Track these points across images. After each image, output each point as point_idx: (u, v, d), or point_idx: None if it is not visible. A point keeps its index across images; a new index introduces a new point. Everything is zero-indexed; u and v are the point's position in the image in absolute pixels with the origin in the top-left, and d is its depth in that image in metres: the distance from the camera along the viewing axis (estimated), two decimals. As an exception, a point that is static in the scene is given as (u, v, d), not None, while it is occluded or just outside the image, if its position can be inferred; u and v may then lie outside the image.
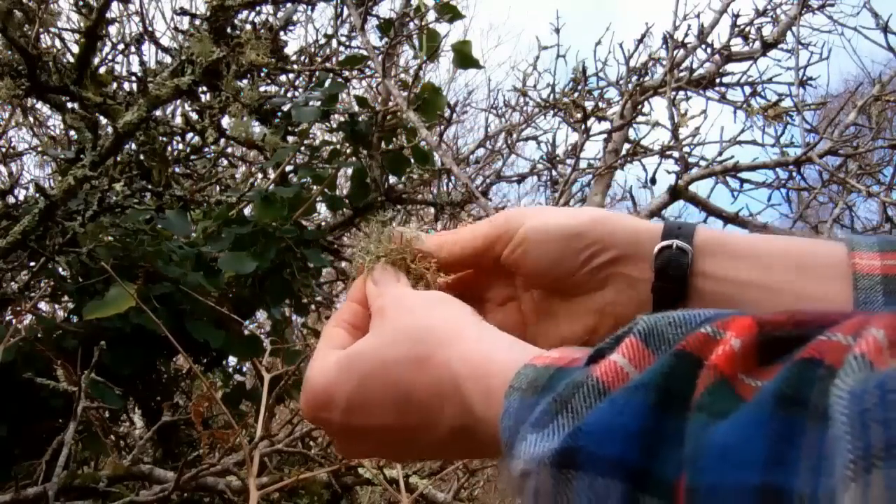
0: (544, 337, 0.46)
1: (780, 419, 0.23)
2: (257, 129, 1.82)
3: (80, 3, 1.55)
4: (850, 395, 0.21)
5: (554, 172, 2.45)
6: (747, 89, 2.54)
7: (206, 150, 2.02)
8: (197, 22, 1.59)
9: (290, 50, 2.04)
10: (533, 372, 0.32)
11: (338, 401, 0.40)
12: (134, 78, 1.74)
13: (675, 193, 2.07)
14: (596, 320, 0.45)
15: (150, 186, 1.62)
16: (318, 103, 1.74)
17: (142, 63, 1.69)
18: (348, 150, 1.87)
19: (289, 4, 1.77)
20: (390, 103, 1.86)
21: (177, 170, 1.91)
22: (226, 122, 1.70)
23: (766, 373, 0.26)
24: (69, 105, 1.60)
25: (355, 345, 0.42)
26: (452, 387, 0.37)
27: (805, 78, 2.34)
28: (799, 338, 0.26)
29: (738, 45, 2.59)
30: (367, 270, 0.48)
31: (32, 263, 1.51)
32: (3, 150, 2.25)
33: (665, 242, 0.42)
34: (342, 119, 1.86)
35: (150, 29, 2.04)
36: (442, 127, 2.01)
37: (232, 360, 1.82)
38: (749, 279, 0.41)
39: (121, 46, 1.99)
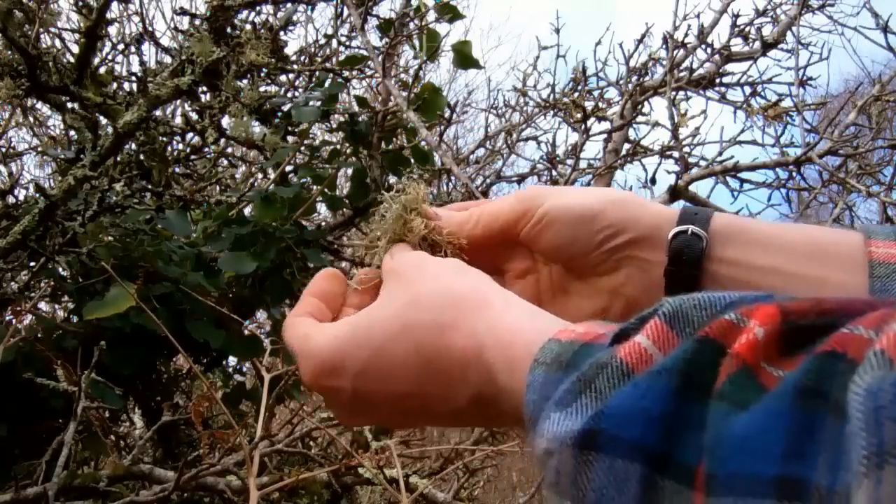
0: (557, 313, 0.46)
1: (800, 412, 0.23)
2: (257, 129, 1.82)
3: (80, 3, 1.55)
4: (867, 391, 0.21)
5: (554, 172, 2.45)
6: (747, 89, 2.54)
7: (206, 150, 2.02)
8: (197, 22, 1.59)
9: (290, 50, 2.04)
10: (558, 347, 0.32)
11: (350, 366, 0.40)
12: (134, 78, 1.74)
13: (675, 193, 2.07)
14: (607, 301, 0.45)
15: (150, 186, 1.62)
16: (318, 103, 1.74)
17: (142, 63, 1.69)
18: (348, 150, 1.87)
19: (289, 4, 1.77)
20: (390, 103, 1.86)
21: (177, 170, 1.91)
22: (226, 122, 1.70)
23: (789, 363, 0.26)
24: (69, 105, 1.60)
25: (372, 308, 0.41)
26: (476, 355, 0.36)
27: (805, 78, 2.34)
28: (822, 327, 0.26)
29: (738, 45, 2.59)
30: (383, 239, 0.48)
31: (32, 263, 1.51)
32: (3, 150, 2.25)
33: (680, 228, 0.43)
34: (342, 119, 1.86)
35: (150, 29, 2.04)
36: (442, 127, 2.01)
37: (232, 360, 1.82)
38: (764, 265, 0.41)
39: (121, 46, 1.99)
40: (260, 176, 2.36)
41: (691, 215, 0.44)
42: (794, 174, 2.18)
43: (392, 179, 1.88)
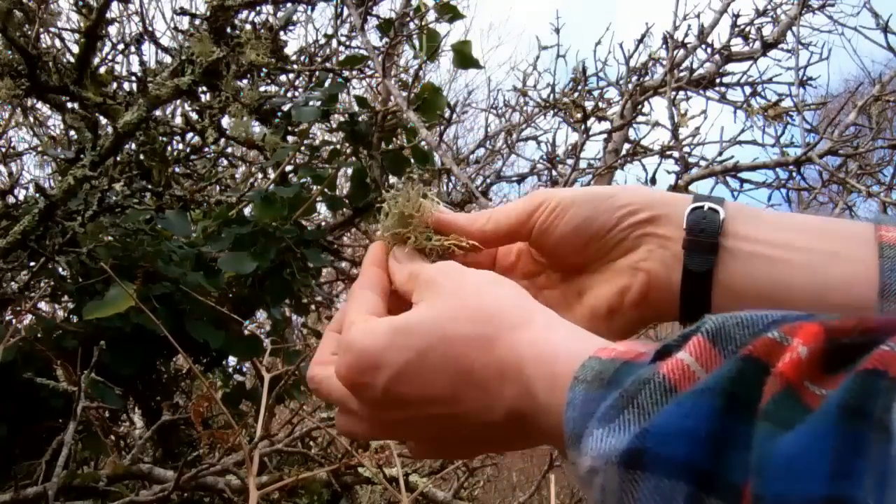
0: (573, 314, 0.47)
1: (844, 431, 0.24)
2: (257, 129, 1.82)
3: (80, 3, 1.55)
4: None
5: (554, 172, 2.45)
6: (747, 89, 2.54)
7: (206, 150, 2.02)
8: (197, 22, 1.59)
9: (290, 50, 2.04)
10: (598, 364, 0.32)
11: (388, 366, 0.40)
12: (134, 78, 1.74)
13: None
14: (627, 279, 0.45)
15: (150, 186, 1.62)
16: (318, 103, 1.74)
17: (142, 63, 1.69)
18: (348, 150, 1.87)
19: (289, 4, 1.77)
20: (390, 103, 1.86)
21: (177, 170, 1.91)
22: (226, 122, 1.70)
23: (831, 381, 0.26)
24: (69, 105, 1.60)
25: (412, 314, 0.41)
26: (516, 370, 0.36)
27: (805, 78, 2.34)
28: (864, 345, 0.26)
29: (738, 45, 2.59)
30: (389, 239, 0.48)
31: (32, 263, 1.51)
32: (3, 150, 2.25)
33: (697, 203, 0.44)
34: (342, 119, 1.86)
35: (150, 29, 2.04)
36: (442, 127, 2.01)
37: (232, 360, 1.82)
38: (777, 240, 0.42)
39: (121, 46, 1.99)
40: (260, 176, 2.36)
41: (705, 197, 0.45)
42: (794, 174, 2.18)
43: (392, 179, 1.88)
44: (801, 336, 0.27)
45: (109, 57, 1.93)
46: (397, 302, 0.46)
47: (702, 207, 0.44)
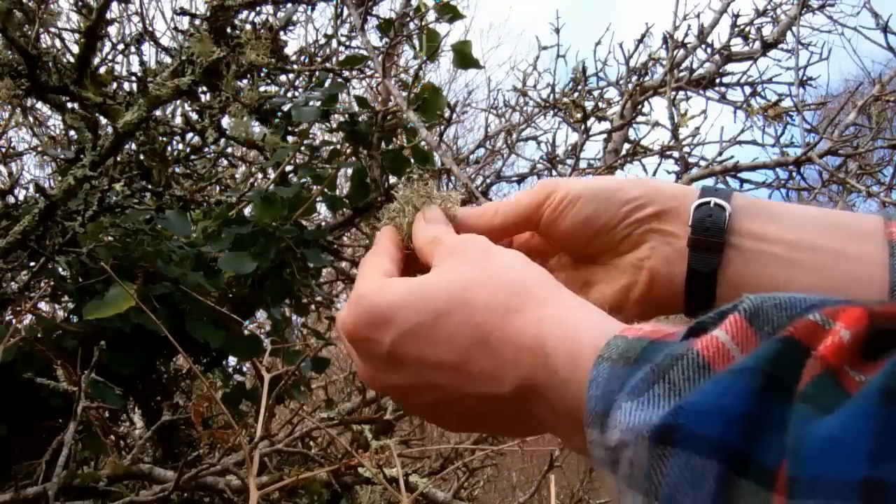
0: None
1: (885, 414, 0.23)
2: (257, 129, 1.82)
3: (80, 3, 1.55)
4: None
5: (554, 172, 2.45)
6: (747, 89, 2.54)
7: (206, 150, 2.02)
8: (197, 22, 1.59)
9: (290, 50, 2.04)
10: (624, 343, 0.32)
11: (397, 324, 0.39)
12: (134, 78, 1.74)
13: (675, 193, 2.07)
14: (630, 277, 0.45)
15: (150, 186, 1.62)
16: (318, 103, 1.74)
17: (142, 63, 1.69)
18: (348, 150, 1.87)
19: (289, 4, 1.77)
20: (390, 103, 1.86)
21: (177, 170, 1.91)
22: (226, 122, 1.70)
23: (870, 367, 0.26)
24: (69, 105, 1.60)
25: (432, 276, 0.41)
26: (538, 342, 0.36)
27: (805, 78, 2.34)
28: None
29: (738, 45, 2.59)
30: (407, 214, 0.48)
31: (32, 263, 1.51)
32: (3, 150, 2.25)
33: (703, 199, 0.44)
34: (342, 119, 1.86)
35: (150, 29, 2.04)
36: (442, 127, 2.01)
37: (232, 360, 1.82)
38: (785, 237, 0.42)
39: (121, 46, 1.99)
40: (260, 176, 2.36)
41: (712, 190, 0.44)
42: (794, 174, 2.18)
43: (392, 179, 1.88)
44: (843, 320, 0.27)
45: (109, 57, 1.93)
46: (408, 271, 0.46)
47: (708, 203, 0.43)
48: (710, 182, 2.23)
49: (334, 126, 1.91)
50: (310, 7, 2.31)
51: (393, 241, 0.48)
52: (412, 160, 1.85)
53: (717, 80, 2.56)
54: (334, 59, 2.08)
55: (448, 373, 0.38)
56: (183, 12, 1.65)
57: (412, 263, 0.48)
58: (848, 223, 0.42)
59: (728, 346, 0.28)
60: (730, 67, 2.59)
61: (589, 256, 0.48)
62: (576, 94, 2.53)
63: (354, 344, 0.41)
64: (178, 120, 2.35)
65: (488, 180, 2.63)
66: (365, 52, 1.82)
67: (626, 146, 2.51)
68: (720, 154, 2.12)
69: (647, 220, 0.45)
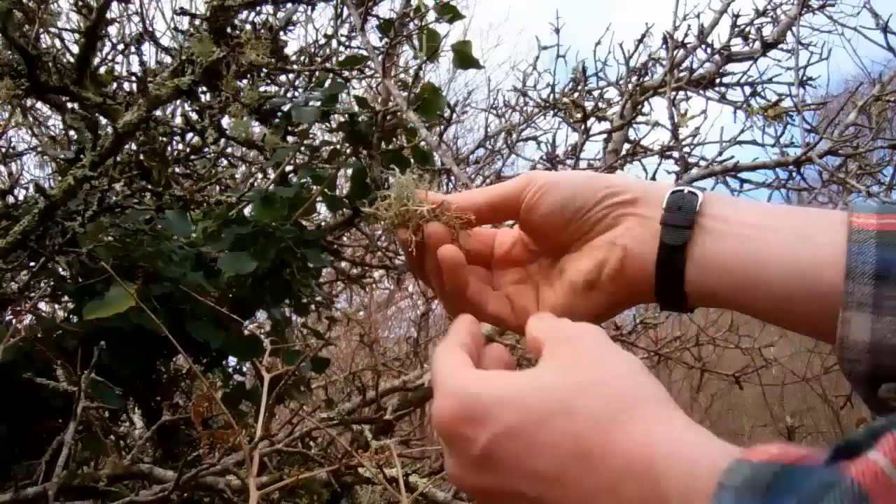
0: (553, 291, 0.49)
1: None
2: (257, 129, 1.82)
3: (80, 3, 1.55)
4: None
5: (554, 172, 2.44)
6: (747, 89, 2.54)
7: (206, 150, 2.02)
8: (197, 22, 1.59)
9: (290, 50, 2.04)
10: (749, 469, 0.29)
11: (493, 422, 0.35)
12: (134, 78, 1.74)
13: (675, 193, 2.06)
14: (605, 253, 0.47)
15: (150, 186, 1.62)
16: (318, 103, 1.74)
17: (142, 63, 1.69)
18: (348, 150, 1.87)
19: (289, 4, 1.77)
20: (390, 103, 1.86)
21: (177, 170, 1.91)
22: (226, 122, 1.69)
23: None
24: (69, 105, 1.60)
25: (540, 372, 0.38)
26: (644, 464, 0.32)
27: (805, 78, 2.34)
28: None
29: (738, 45, 2.59)
30: (392, 220, 0.50)
31: (32, 263, 1.51)
32: (3, 150, 2.25)
33: (677, 187, 0.46)
34: (342, 119, 1.86)
35: (150, 29, 2.04)
36: (442, 127, 2.01)
37: (232, 360, 1.82)
38: (753, 221, 0.44)
39: (121, 46, 1.99)
40: (260, 176, 2.36)
41: (686, 185, 0.47)
42: (794, 174, 2.18)
43: (392, 180, 1.87)
44: None
45: (109, 57, 1.93)
46: (420, 265, 0.49)
47: (682, 191, 0.46)
48: (710, 182, 2.23)
49: (334, 126, 1.91)
50: (310, 7, 2.31)
51: (471, 333, 0.44)
52: (412, 160, 1.85)
53: (717, 80, 2.56)
54: (334, 59, 2.08)
55: (544, 484, 0.35)
56: (183, 12, 1.65)
57: (421, 253, 0.49)
58: (815, 212, 0.43)
59: (889, 473, 0.25)
60: (730, 67, 2.59)
61: (565, 243, 0.49)
62: (576, 94, 2.53)
63: (448, 440, 0.38)
64: (178, 120, 2.35)
65: (488, 180, 2.63)
66: (365, 52, 1.82)
67: (626, 146, 2.51)
68: (720, 154, 2.12)
69: (622, 205, 0.47)
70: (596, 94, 2.62)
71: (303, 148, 1.86)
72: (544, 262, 0.51)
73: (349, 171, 1.87)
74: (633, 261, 0.46)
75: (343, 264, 2.49)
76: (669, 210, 0.45)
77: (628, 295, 0.47)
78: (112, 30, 2.00)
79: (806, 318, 0.42)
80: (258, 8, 1.69)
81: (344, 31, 2.09)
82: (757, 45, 2.53)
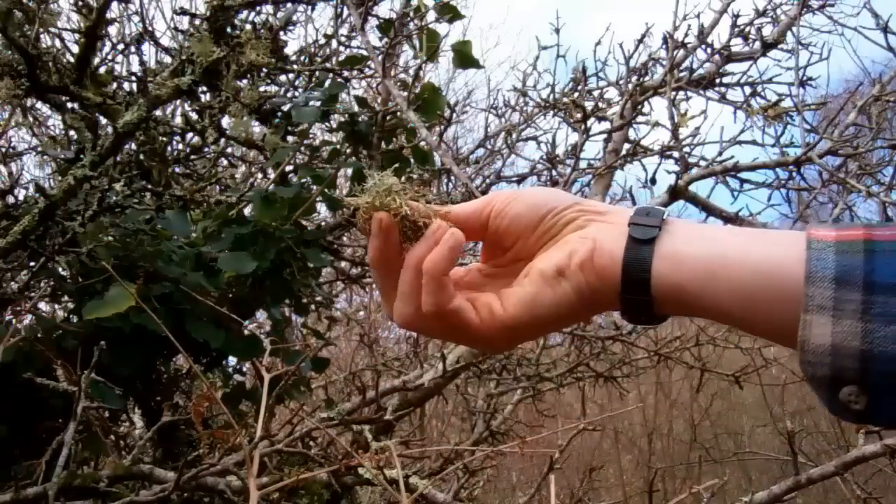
0: (524, 283, 0.49)
1: None
2: (257, 129, 1.82)
3: (80, 3, 1.55)
4: None
5: (554, 172, 2.45)
6: (747, 89, 2.54)
7: (206, 150, 2.02)
8: (197, 22, 1.59)
9: (290, 50, 2.04)
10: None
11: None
12: (134, 78, 1.74)
13: (675, 193, 2.07)
14: (576, 245, 0.48)
15: (150, 186, 1.62)
16: (318, 103, 1.74)
17: (142, 63, 1.69)
18: (348, 150, 1.87)
19: (289, 4, 1.77)
20: (390, 103, 1.86)
21: (177, 170, 1.91)
22: (226, 122, 1.70)
23: None
24: (69, 105, 1.60)
25: None
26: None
27: (805, 78, 2.34)
28: None
29: (738, 45, 2.59)
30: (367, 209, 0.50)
31: (32, 263, 1.51)
32: (3, 150, 2.25)
33: (644, 204, 0.50)
34: (342, 119, 1.86)
35: (150, 29, 2.04)
36: (442, 127, 2.01)
37: (232, 360, 1.82)
38: (717, 232, 0.46)
39: (121, 46, 1.99)
40: (260, 176, 2.36)
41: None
42: (794, 174, 2.18)
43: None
44: None
45: (109, 57, 1.93)
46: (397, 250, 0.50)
47: (648, 206, 0.48)
48: (710, 182, 2.23)
49: (334, 126, 1.91)
50: (310, 7, 2.31)
51: None
52: (412, 160, 1.85)
53: (717, 80, 2.56)
54: (334, 59, 2.08)
55: None
56: (183, 12, 1.65)
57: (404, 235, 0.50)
58: (773, 230, 0.46)
59: None
60: (730, 67, 2.59)
61: (529, 248, 0.50)
62: (576, 94, 2.53)
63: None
64: (178, 120, 2.34)
65: (488, 180, 2.63)
66: (365, 52, 1.82)
67: (626, 146, 2.51)
68: (720, 154, 2.12)
69: (591, 213, 0.49)
70: (596, 94, 2.62)
71: (303, 148, 1.86)
72: (502, 282, 0.51)
73: (349, 171, 1.87)
74: (602, 253, 0.47)
75: (343, 264, 2.49)
76: (638, 214, 0.47)
77: (594, 290, 0.47)
78: (112, 30, 1.99)
79: (769, 319, 0.42)
80: (258, 8, 1.69)
81: (344, 31, 2.09)
82: (757, 45, 2.53)
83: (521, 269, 0.50)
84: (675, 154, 2.21)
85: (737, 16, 2.56)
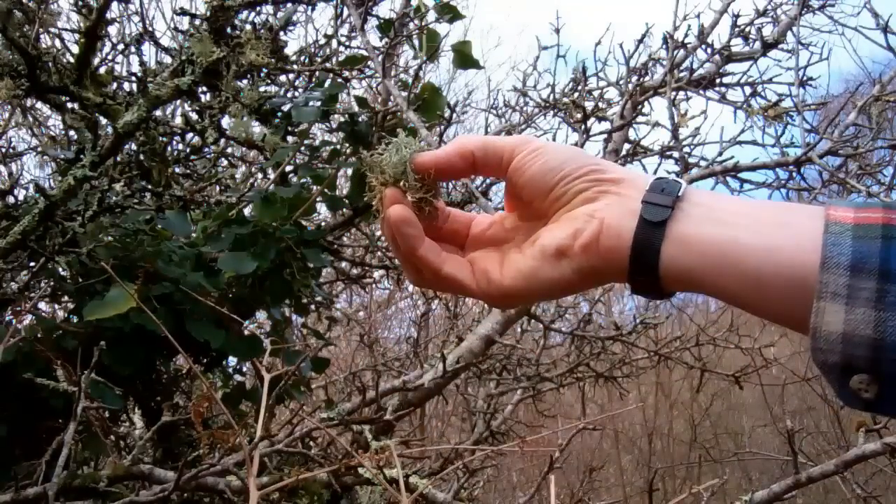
0: (526, 255, 0.50)
1: None
2: (257, 129, 1.82)
3: (80, 3, 1.55)
4: None
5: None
6: (747, 89, 2.54)
7: (206, 150, 2.02)
8: (197, 22, 1.58)
9: (290, 50, 2.04)
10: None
11: None
12: (134, 78, 1.74)
13: (675, 193, 2.06)
14: (581, 223, 0.47)
15: (150, 186, 1.62)
16: (318, 103, 1.74)
17: (142, 63, 1.69)
18: (348, 150, 1.87)
19: (289, 4, 1.77)
20: (390, 103, 1.86)
21: (177, 170, 1.91)
22: (226, 122, 1.70)
23: None
24: (69, 105, 1.60)
25: None
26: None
27: (805, 78, 2.34)
28: None
29: (738, 45, 2.59)
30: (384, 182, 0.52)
31: (32, 263, 1.51)
32: (3, 150, 2.25)
33: (661, 175, 0.47)
34: (342, 119, 1.86)
35: (150, 29, 2.04)
36: (442, 127, 2.01)
37: (232, 361, 1.82)
38: (732, 208, 0.45)
39: (121, 46, 1.99)
40: (260, 176, 2.36)
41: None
42: (794, 174, 2.18)
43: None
44: None
45: (109, 57, 1.93)
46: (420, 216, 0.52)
47: (665, 178, 0.47)
48: (710, 182, 2.23)
49: (334, 126, 1.91)
50: (310, 7, 2.31)
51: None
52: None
53: (718, 81, 2.56)
54: (334, 60, 2.07)
55: None
56: (183, 12, 1.65)
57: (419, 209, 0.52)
58: (791, 205, 0.45)
59: None
60: (730, 67, 2.59)
61: (545, 212, 0.50)
62: (576, 95, 2.53)
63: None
64: (178, 120, 2.35)
65: (488, 180, 2.63)
66: (365, 53, 1.82)
67: (627, 146, 2.51)
68: (720, 154, 2.12)
69: (605, 182, 0.48)
70: (596, 94, 2.62)
71: (303, 148, 1.86)
72: (520, 238, 0.52)
73: (349, 171, 1.87)
74: (609, 234, 0.46)
75: (343, 264, 2.49)
76: (653, 190, 0.46)
77: (596, 270, 0.47)
78: (112, 30, 2.00)
79: (780, 305, 0.42)
80: (258, 8, 1.69)
81: (344, 31, 2.09)
82: (757, 45, 2.53)
83: (540, 227, 0.51)
84: (675, 154, 2.21)
85: (737, 16, 2.56)
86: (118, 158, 1.54)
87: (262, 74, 1.71)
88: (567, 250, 0.47)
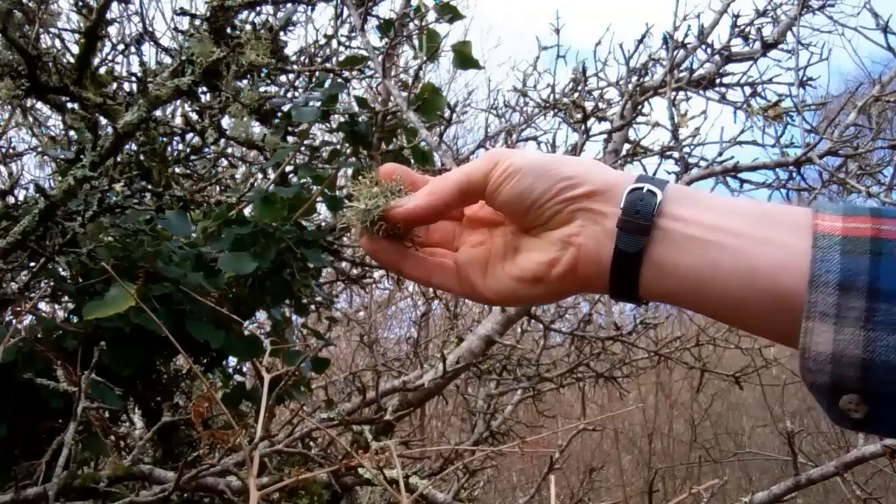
0: (507, 270, 0.50)
1: None
2: (257, 129, 1.82)
3: (80, 3, 1.55)
4: None
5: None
6: (747, 89, 2.54)
7: (206, 150, 2.02)
8: (197, 22, 1.58)
9: (290, 50, 2.04)
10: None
11: None
12: (134, 78, 1.74)
13: (675, 194, 2.06)
14: (558, 251, 0.47)
15: (150, 186, 1.62)
16: (318, 103, 1.74)
17: (142, 63, 1.69)
18: (348, 150, 1.87)
19: (289, 4, 1.77)
20: (390, 103, 1.86)
21: (177, 170, 1.91)
22: (226, 122, 1.69)
23: None
24: (69, 105, 1.60)
25: None
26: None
27: (805, 78, 2.34)
28: None
29: (738, 45, 2.59)
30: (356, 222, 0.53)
31: (32, 263, 1.51)
32: (3, 150, 2.25)
33: (637, 185, 0.45)
34: (342, 119, 1.86)
35: (150, 29, 2.04)
36: (442, 127, 2.00)
37: (232, 361, 1.82)
38: (713, 223, 0.43)
39: (121, 46, 1.99)
40: (260, 176, 2.36)
41: (648, 178, 0.46)
42: (794, 174, 2.18)
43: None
44: None
45: (109, 57, 1.93)
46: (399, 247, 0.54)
47: (641, 189, 0.45)
48: (710, 182, 2.23)
49: (334, 126, 1.91)
50: (310, 7, 2.31)
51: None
52: (412, 160, 1.85)
53: (717, 81, 2.56)
54: (334, 60, 2.07)
55: None
56: (183, 12, 1.65)
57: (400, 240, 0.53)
58: (781, 213, 0.42)
59: None
60: (730, 68, 2.59)
61: (523, 228, 0.50)
62: (576, 95, 2.53)
63: None
64: (178, 120, 2.34)
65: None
66: (365, 53, 1.82)
67: (627, 146, 2.51)
68: (720, 154, 2.13)
69: (578, 199, 0.46)
70: (596, 94, 2.62)
71: (303, 148, 1.86)
72: (510, 227, 0.52)
73: (349, 171, 1.87)
74: (585, 261, 0.46)
75: (343, 264, 2.49)
76: (626, 213, 0.44)
77: (578, 289, 0.48)
78: (112, 30, 2.00)
79: (763, 324, 0.42)
80: (258, 8, 1.69)
81: (344, 31, 2.09)
82: (757, 45, 2.53)
83: (522, 228, 0.51)
84: (675, 154, 2.21)
85: (737, 16, 2.56)
86: (118, 158, 1.54)
87: (262, 75, 1.71)
88: (544, 278, 0.48)
